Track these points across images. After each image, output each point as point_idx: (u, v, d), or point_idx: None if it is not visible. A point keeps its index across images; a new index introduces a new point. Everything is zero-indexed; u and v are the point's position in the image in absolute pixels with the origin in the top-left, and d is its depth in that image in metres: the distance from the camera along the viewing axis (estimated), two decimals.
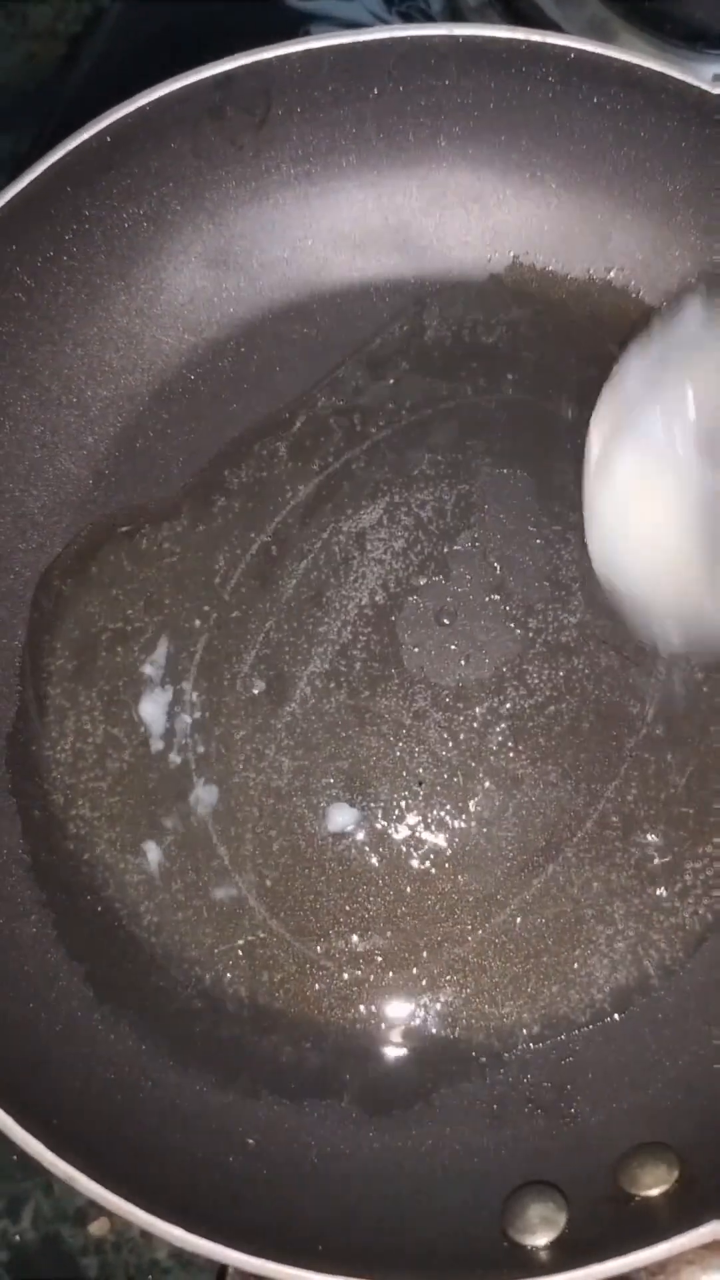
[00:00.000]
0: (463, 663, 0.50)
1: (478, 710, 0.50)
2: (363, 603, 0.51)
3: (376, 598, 0.51)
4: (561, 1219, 0.39)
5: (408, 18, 0.69)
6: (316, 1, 0.69)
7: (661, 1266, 0.38)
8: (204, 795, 0.49)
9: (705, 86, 0.49)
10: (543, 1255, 0.38)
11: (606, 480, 0.46)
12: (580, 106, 0.51)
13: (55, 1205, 0.59)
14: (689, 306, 0.47)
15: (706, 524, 0.45)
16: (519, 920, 0.47)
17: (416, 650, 0.51)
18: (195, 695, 0.50)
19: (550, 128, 0.52)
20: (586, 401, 0.53)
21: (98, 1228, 0.60)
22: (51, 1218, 0.59)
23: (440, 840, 0.49)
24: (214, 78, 0.49)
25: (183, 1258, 0.59)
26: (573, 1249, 0.38)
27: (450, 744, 0.49)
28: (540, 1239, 0.39)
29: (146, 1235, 0.59)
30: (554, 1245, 0.39)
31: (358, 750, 0.50)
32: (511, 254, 0.55)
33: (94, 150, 0.49)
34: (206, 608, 0.51)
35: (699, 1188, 0.39)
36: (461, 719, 0.50)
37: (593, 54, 0.49)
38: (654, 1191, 0.39)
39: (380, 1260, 0.38)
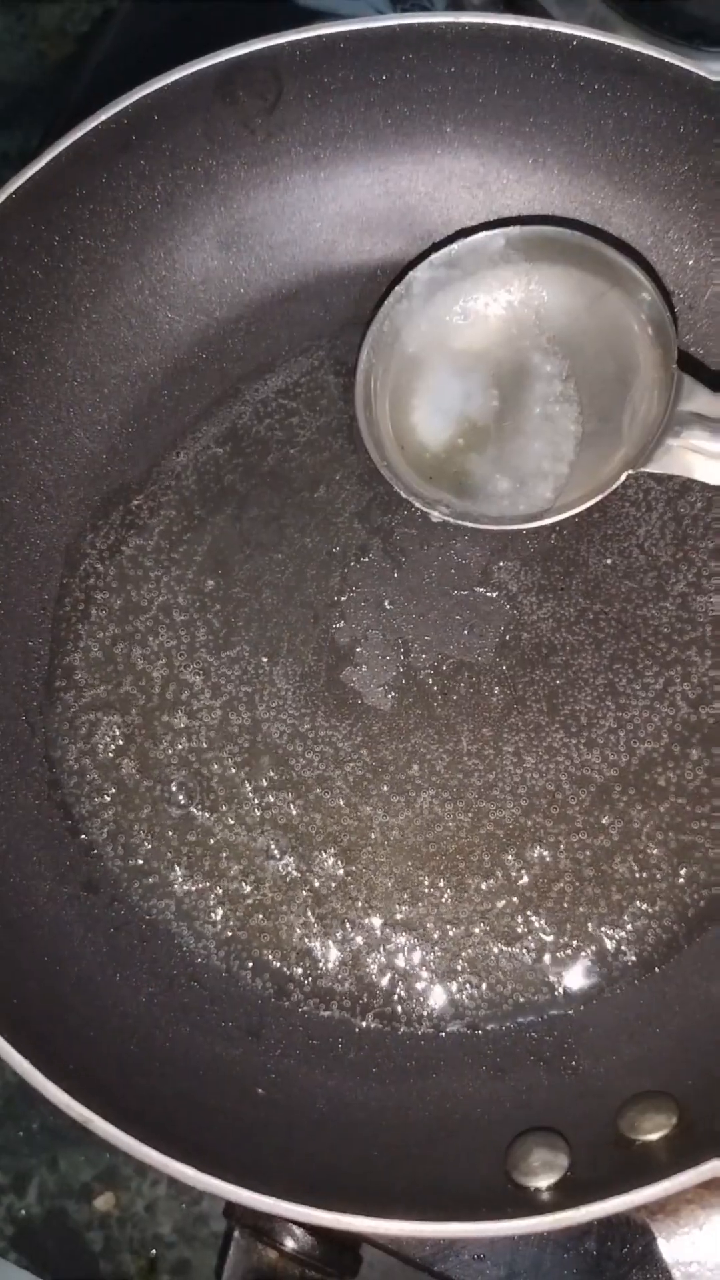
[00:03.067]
0: (465, 632, 0.51)
1: (474, 689, 0.51)
2: (365, 560, 0.52)
3: (374, 554, 0.52)
4: (564, 1162, 0.40)
5: None
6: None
7: (661, 1206, 0.39)
8: (215, 764, 0.50)
9: (703, 73, 0.50)
10: (545, 1196, 0.39)
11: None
12: (582, 93, 0.52)
13: (61, 1180, 0.60)
14: None
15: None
16: (523, 884, 0.48)
17: (419, 618, 0.52)
18: (201, 664, 0.51)
19: (553, 114, 0.53)
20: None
21: (103, 1203, 0.60)
22: (57, 1193, 0.60)
23: (443, 817, 0.49)
24: (227, 62, 0.50)
25: (186, 1232, 0.60)
26: (574, 1190, 0.39)
27: (447, 730, 0.50)
28: (543, 1181, 0.39)
29: (150, 1209, 0.60)
30: (556, 1187, 0.39)
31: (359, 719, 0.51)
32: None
33: (110, 132, 0.50)
34: (213, 581, 0.52)
35: (697, 1131, 0.40)
36: (456, 698, 0.50)
37: (595, 41, 0.50)
38: (654, 1136, 0.40)
39: (388, 1201, 0.39)
